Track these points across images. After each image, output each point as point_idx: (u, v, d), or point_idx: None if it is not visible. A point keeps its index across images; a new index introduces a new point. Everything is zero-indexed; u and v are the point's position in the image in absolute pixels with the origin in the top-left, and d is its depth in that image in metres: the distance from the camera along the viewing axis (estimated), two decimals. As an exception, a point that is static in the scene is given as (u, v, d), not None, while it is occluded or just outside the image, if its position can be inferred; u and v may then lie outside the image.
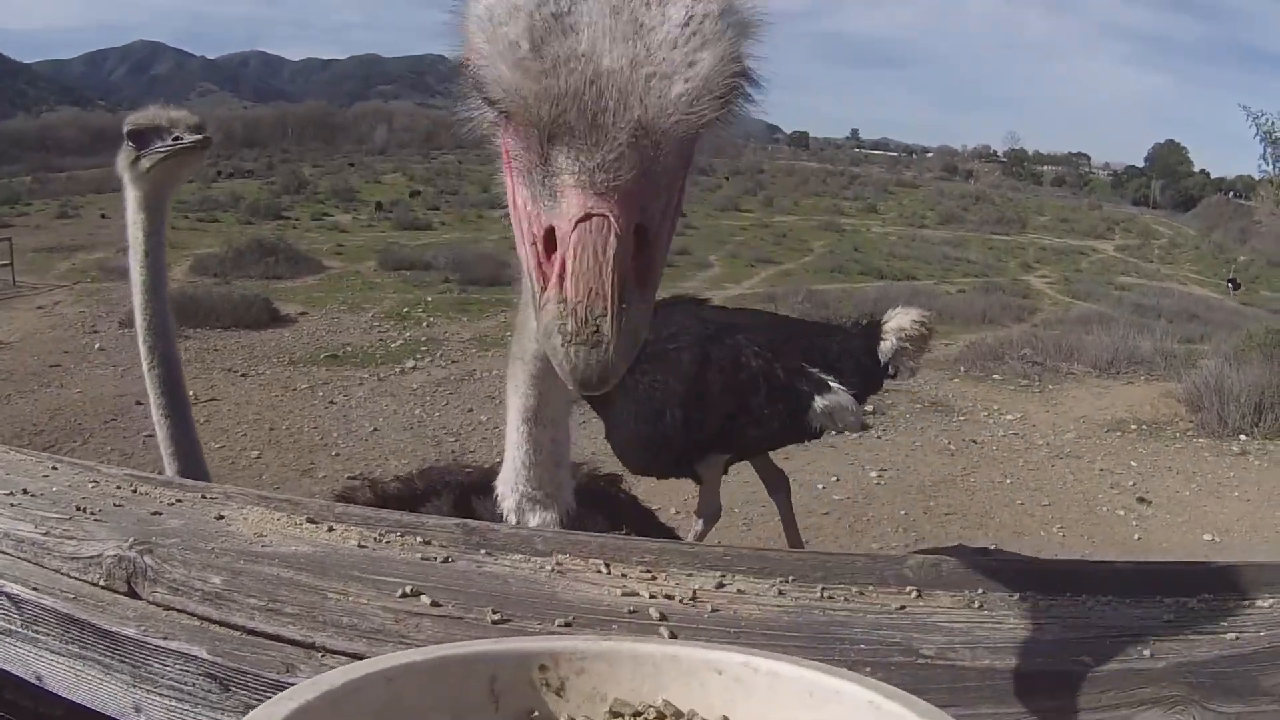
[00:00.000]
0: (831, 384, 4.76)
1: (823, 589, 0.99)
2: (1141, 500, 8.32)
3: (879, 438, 9.90)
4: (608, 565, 1.03)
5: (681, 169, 0.80)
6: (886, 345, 4.95)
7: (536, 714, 0.71)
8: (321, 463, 8.56)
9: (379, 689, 0.68)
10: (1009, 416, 10.84)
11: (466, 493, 1.80)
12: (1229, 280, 29.68)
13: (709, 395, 5.05)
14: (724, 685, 0.70)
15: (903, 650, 0.89)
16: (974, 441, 9.91)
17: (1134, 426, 10.46)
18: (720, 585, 0.99)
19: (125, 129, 2.29)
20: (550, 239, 0.76)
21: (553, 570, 1.02)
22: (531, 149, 0.77)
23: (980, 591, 0.99)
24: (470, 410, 10.09)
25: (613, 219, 0.73)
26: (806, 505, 7.83)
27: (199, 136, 2.31)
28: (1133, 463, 9.30)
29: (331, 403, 10.40)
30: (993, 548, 7.26)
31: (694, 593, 0.98)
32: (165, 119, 2.30)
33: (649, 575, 1.01)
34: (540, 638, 0.79)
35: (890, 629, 0.92)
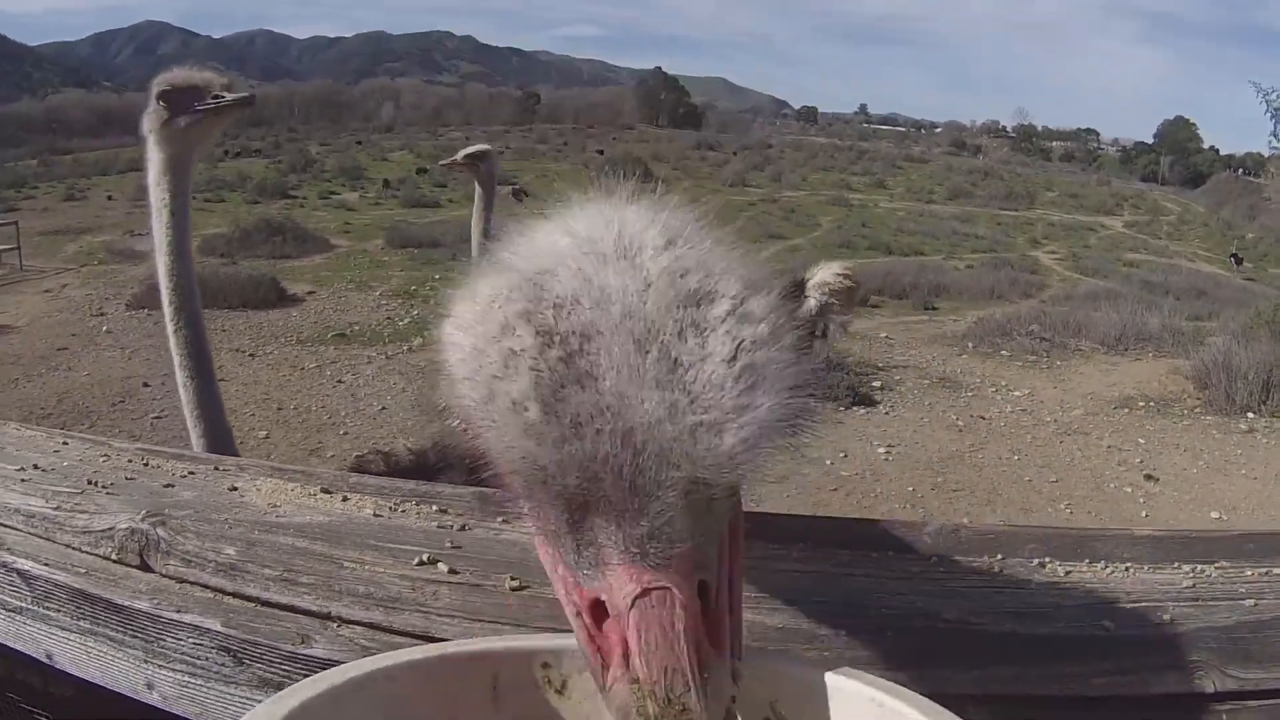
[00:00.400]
0: None
1: (841, 554, 0.98)
2: (1149, 477, 8.33)
3: (887, 414, 9.94)
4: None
5: (737, 501, 0.69)
6: (810, 304, 4.65)
7: (539, 712, 0.71)
8: (330, 441, 8.60)
9: (380, 686, 0.68)
10: (1017, 393, 10.85)
11: (479, 466, 1.78)
12: (1232, 255, 30.52)
13: None
14: None
15: (923, 614, 0.89)
16: (982, 418, 9.93)
17: (1141, 403, 10.47)
18: (741, 552, 0.98)
19: (157, 90, 2.30)
20: (599, 610, 0.65)
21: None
22: (559, 516, 0.65)
23: (1000, 558, 0.98)
24: (478, 388, 10.08)
25: (673, 589, 0.62)
26: (815, 481, 7.86)
27: (244, 94, 2.37)
28: (1140, 440, 9.32)
29: (340, 381, 10.43)
30: (1001, 524, 7.27)
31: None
32: (200, 79, 2.34)
33: (669, 541, 1.00)
34: (543, 636, 0.78)
35: (911, 594, 0.92)
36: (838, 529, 1.04)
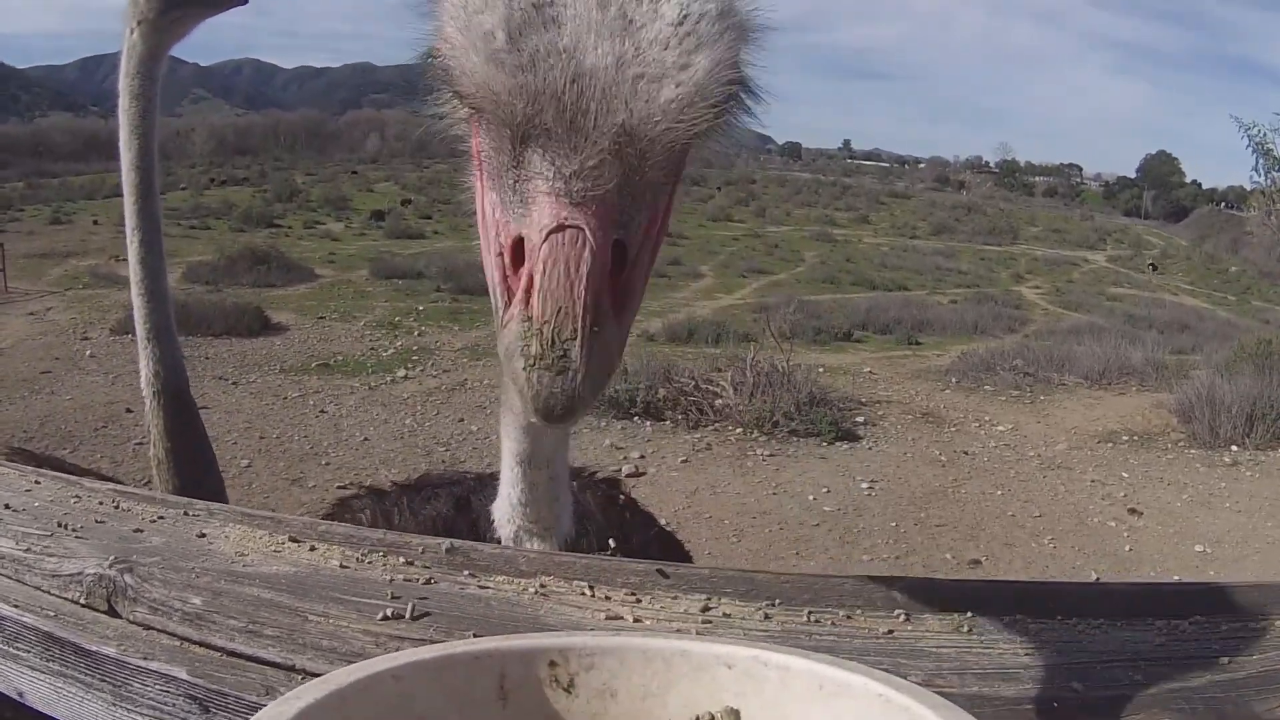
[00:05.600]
0: None
1: (809, 613, 0.97)
2: (1133, 511, 8.34)
3: (870, 449, 9.94)
4: (592, 588, 1.00)
5: (669, 181, 0.74)
6: None
7: (546, 710, 0.71)
8: (312, 472, 8.56)
9: (387, 687, 0.68)
10: (1000, 427, 10.87)
11: (466, 494, 1.78)
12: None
13: None
14: (734, 679, 0.70)
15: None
16: (965, 453, 9.94)
17: (1125, 437, 10.50)
18: (706, 609, 0.97)
19: None
20: (518, 250, 0.70)
21: (536, 593, 1.00)
22: (503, 150, 0.71)
23: (969, 615, 0.97)
24: (461, 420, 10.11)
25: (589, 231, 0.67)
26: (797, 516, 7.87)
27: None
28: (1124, 474, 9.34)
29: (322, 412, 10.41)
30: (984, 560, 7.27)
31: (677, 617, 0.97)
32: None
33: (633, 598, 0.98)
34: (549, 634, 0.80)
35: (876, 654, 0.90)
36: (805, 585, 1.03)
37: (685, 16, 0.67)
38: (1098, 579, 6.84)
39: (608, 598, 0.99)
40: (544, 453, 1.20)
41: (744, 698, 0.70)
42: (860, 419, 10.72)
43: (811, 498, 8.30)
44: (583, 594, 1.00)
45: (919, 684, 0.87)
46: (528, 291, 0.68)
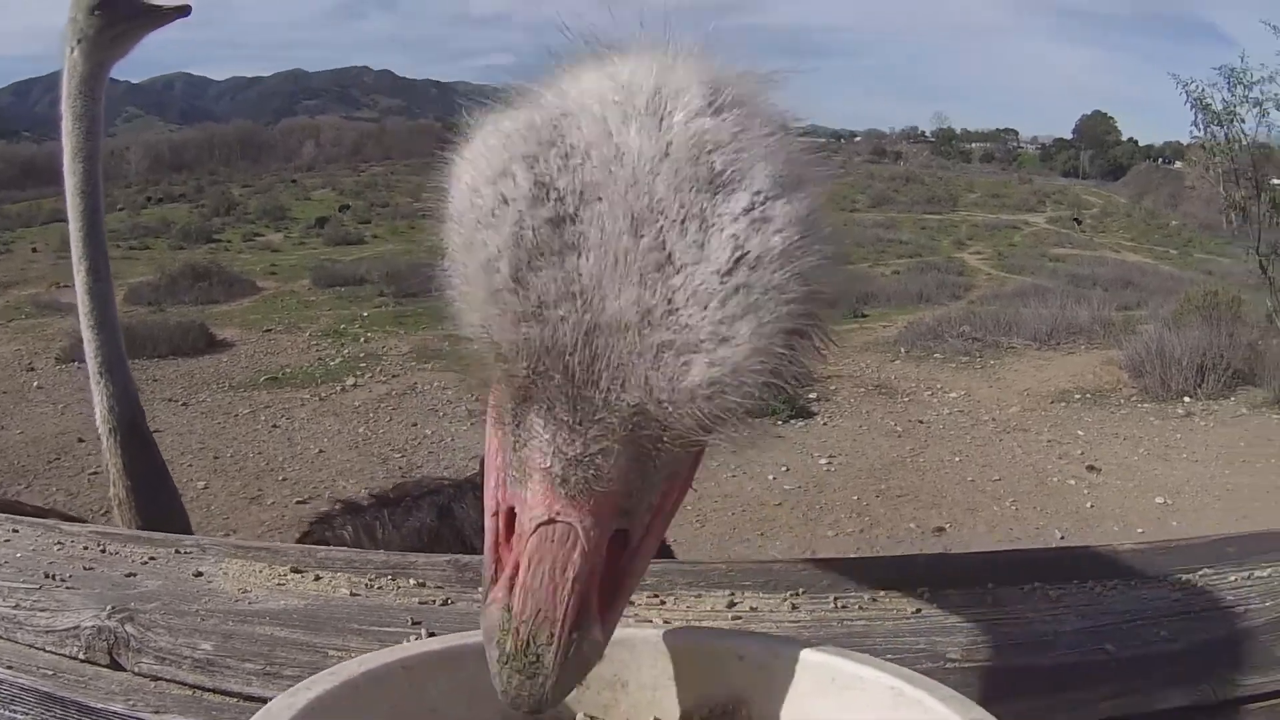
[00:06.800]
0: None
1: (835, 598, 0.96)
2: (1091, 468, 8.44)
3: (825, 424, 9.98)
4: (613, 592, 0.99)
5: (690, 456, 0.61)
6: None
7: None
8: (269, 488, 8.47)
9: (397, 678, 0.68)
10: (953, 395, 10.95)
11: (448, 502, 1.76)
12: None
13: None
14: (746, 671, 0.70)
15: (929, 655, 0.87)
16: (920, 422, 10.01)
17: (1078, 396, 10.62)
18: (731, 604, 0.96)
19: (92, 2, 2.26)
20: (510, 521, 0.61)
21: (557, 603, 0.99)
22: (503, 400, 0.60)
23: (990, 586, 0.98)
24: (414, 424, 10.05)
25: (581, 531, 0.57)
26: (759, 497, 7.88)
27: (182, 3, 2.35)
28: (1079, 432, 9.45)
29: (275, 426, 10.29)
30: (947, 526, 7.32)
31: (706, 615, 0.96)
32: None
33: (656, 600, 0.97)
34: None
35: (911, 634, 0.91)
36: (825, 570, 1.03)
37: (738, 261, 0.53)
38: (1062, 538, 6.93)
39: (631, 601, 0.98)
40: None
41: (755, 690, 0.69)
42: (813, 395, 10.75)
43: (771, 477, 8.31)
44: (605, 599, 0.99)
45: (958, 659, 0.87)
46: (511, 579, 0.59)
